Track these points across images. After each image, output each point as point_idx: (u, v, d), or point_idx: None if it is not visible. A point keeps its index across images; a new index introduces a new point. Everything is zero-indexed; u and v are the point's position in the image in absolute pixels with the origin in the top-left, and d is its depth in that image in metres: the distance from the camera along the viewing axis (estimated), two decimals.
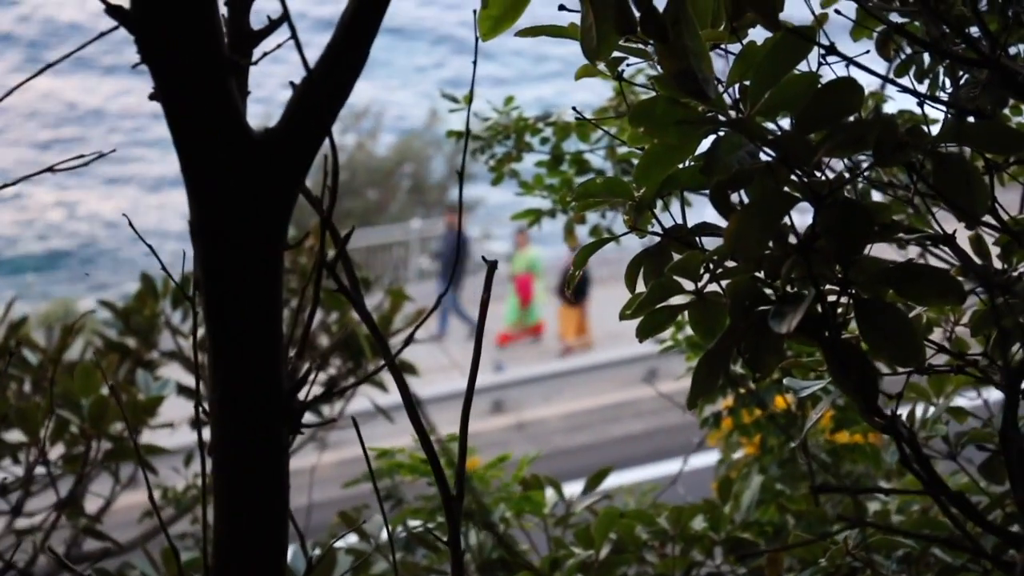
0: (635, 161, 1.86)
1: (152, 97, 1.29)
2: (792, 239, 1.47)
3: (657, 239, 1.66)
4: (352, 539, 3.08)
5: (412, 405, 1.47)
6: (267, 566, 1.37)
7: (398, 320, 4.15)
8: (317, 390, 1.50)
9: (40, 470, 3.34)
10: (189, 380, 3.72)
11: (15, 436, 3.36)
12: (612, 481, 3.13)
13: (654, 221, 1.69)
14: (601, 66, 1.92)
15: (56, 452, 3.34)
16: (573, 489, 3.07)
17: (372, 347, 3.99)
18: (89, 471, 3.28)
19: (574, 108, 2.00)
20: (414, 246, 19.44)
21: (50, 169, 1.41)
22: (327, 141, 1.34)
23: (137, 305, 3.94)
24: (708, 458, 4.16)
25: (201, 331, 1.65)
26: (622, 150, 2.94)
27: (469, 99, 1.51)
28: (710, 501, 2.90)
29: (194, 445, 3.21)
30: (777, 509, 2.78)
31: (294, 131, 1.28)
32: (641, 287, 1.63)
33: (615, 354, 16.65)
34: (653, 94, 1.54)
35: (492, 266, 1.50)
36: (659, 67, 1.52)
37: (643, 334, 1.59)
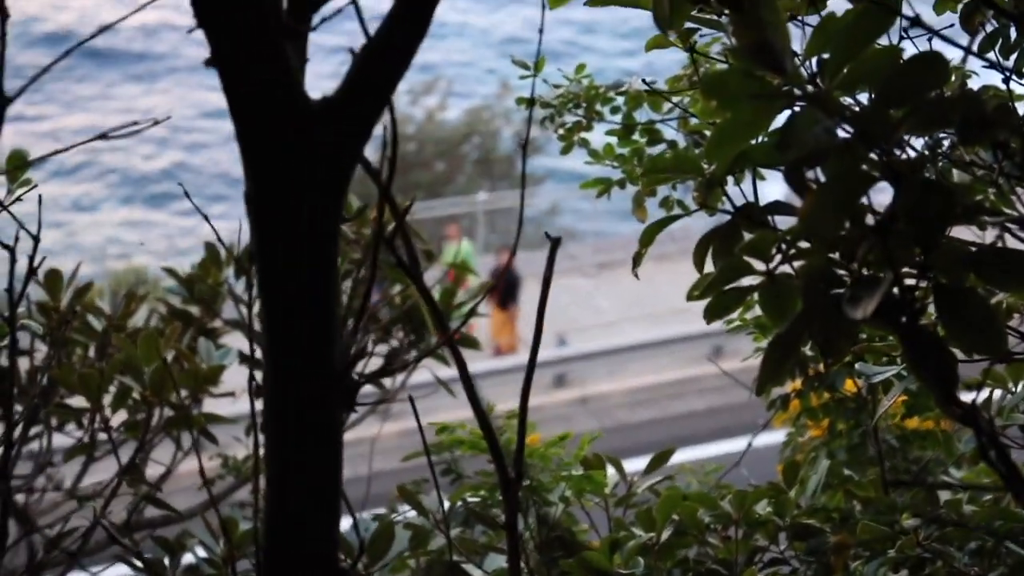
0: (708, 132, 1.79)
1: (207, 63, 1.25)
2: (870, 220, 1.40)
3: (727, 217, 1.60)
4: (411, 513, 3.05)
5: (470, 384, 1.44)
6: (316, 542, 1.34)
7: (462, 293, 4.10)
8: (378, 363, 1.46)
9: (102, 436, 3.35)
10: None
11: (79, 401, 3.37)
12: (675, 459, 3.07)
13: (724, 199, 1.63)
14: (673, 37, 1.86)
15: (119, 419, 3.34)
16: (635, 465, 3.01)
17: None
18: (151, 438, 3.29)
19: (644, 80, 1.94)
20: (480, 219, 19.40)
21: (103, 136, 1.38)
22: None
23: (201, 273, 3.94)
24: (773, 437, 4.09)
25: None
26: (695, 121, 2.87)
27: (537, 67, 1.46)
28: (775, 485, 2.84)
29: (256, 415, 3.21)
30: (844, 495, 2.71)
31: (353, 99, 1.24)
32: (710, 267, 1.58)
33: (680, 330, 16.52)
34: (727, 65, 1.48)
35: (555, 242, 1.46)
36: (733, 39, 1.46)
37: (711, 315, 1.54)
